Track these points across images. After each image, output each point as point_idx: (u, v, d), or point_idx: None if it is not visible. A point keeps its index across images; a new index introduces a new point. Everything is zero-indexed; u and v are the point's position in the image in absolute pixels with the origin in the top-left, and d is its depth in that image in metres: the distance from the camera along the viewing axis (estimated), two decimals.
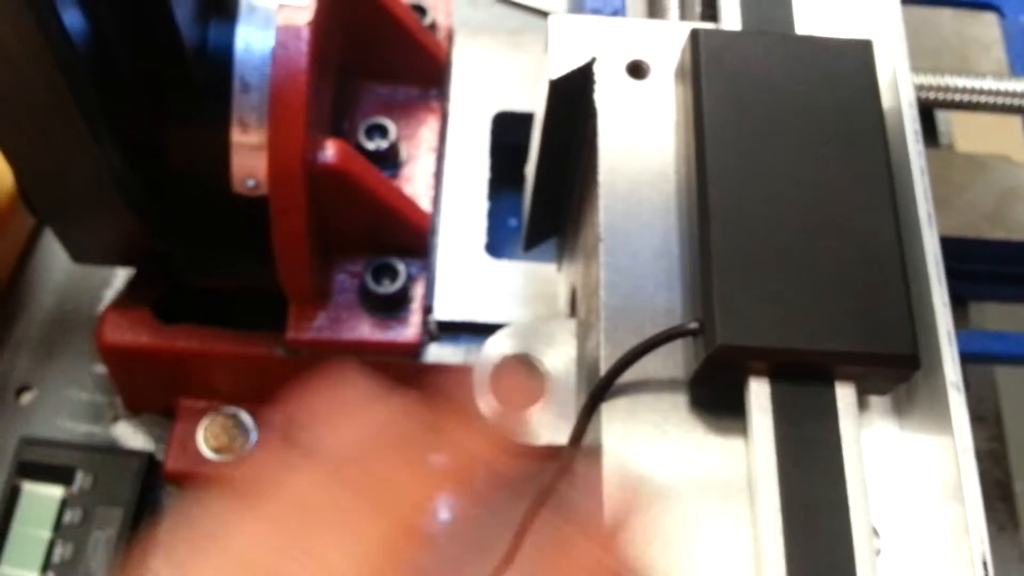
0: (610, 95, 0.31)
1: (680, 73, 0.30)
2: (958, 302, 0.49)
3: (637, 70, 0.31)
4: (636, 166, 0.30)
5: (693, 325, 0.25)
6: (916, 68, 0.45)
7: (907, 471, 0.26)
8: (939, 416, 0.25)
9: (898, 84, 0.28)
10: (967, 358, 0.47)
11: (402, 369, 0.44)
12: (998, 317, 0.49)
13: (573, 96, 0.33)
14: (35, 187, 0.39)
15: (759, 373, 0.25)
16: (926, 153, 0.49)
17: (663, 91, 0.31)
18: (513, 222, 0.51)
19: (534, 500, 0.31)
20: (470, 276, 0.45)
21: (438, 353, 0.45)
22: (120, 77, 0.36)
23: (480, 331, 0.42)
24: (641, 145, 0.30)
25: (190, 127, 0.37)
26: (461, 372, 0.45)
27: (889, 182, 0.26)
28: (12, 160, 0.38)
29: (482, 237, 0.46)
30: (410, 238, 0.44)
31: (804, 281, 0.25)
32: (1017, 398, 0.53)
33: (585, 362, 0.31)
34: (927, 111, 0.50)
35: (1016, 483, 0.52)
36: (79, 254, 0.43)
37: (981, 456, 0.54)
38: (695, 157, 0.27)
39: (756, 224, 0.26)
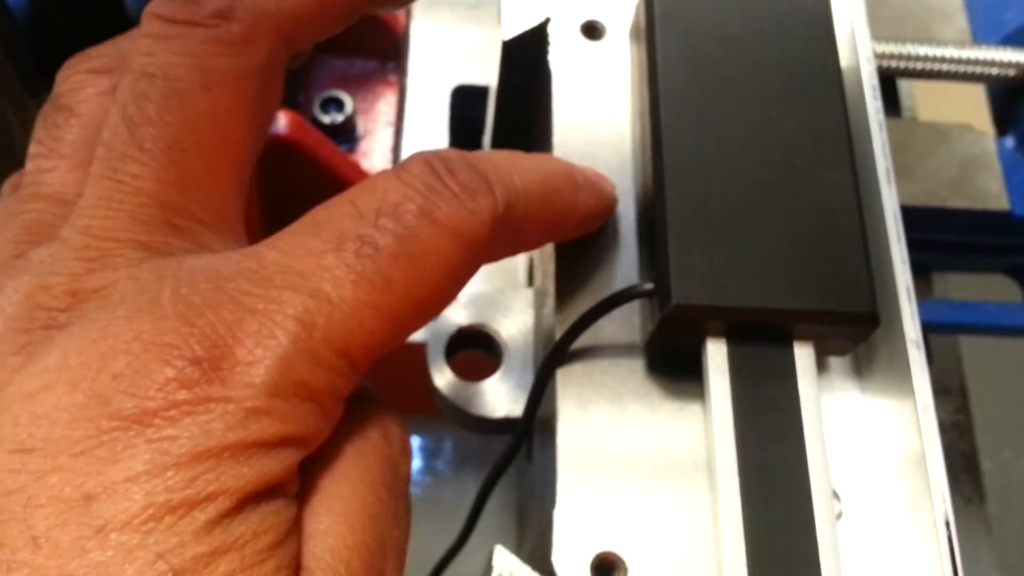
0: (565, 56, 0.30)
1: (635, 32, 0.29)
2: (921, 272, 0.49)
3: (592, 30, 0.30)
4: (591, 128, 0.29)
5: (648, 286, 0.24)
6: (879, 37, 0.45)
7: (868, 433, 0.25)
8: (899, 375, 0.24)
9: (856, 40, 0.28)
10: (931, 328, 0.47)
11: None
12: (961, 287, 0.49)
13: (528, 59, 0.32)
14: None
15: (715, 334, 0.24)
16: (888, 122, 0.48)
17: (619, 52, 0.30)
18: None
19: (489, 474, 0.30)
20: None
21: None
22: (61, 48, 0.35)
23: None
24: (596, 107, 0.29)
25: None
26: (422, 350, 0.44)
27: (847, 138, 0.26)
28: None
29: None
30: None
31: (761, 239, 0.24)
32: (982, 369, 0.53)
33: (541, 331, 0.30)
34: (890, 80, 0.49)
35: (982, 455, 0.52)
36: None
37: (946, 428, 0.54)
38: (649, 115, 0.26)
39: (711, 182, 0.25)
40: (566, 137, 0.29)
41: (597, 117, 0.29)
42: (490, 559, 0.24)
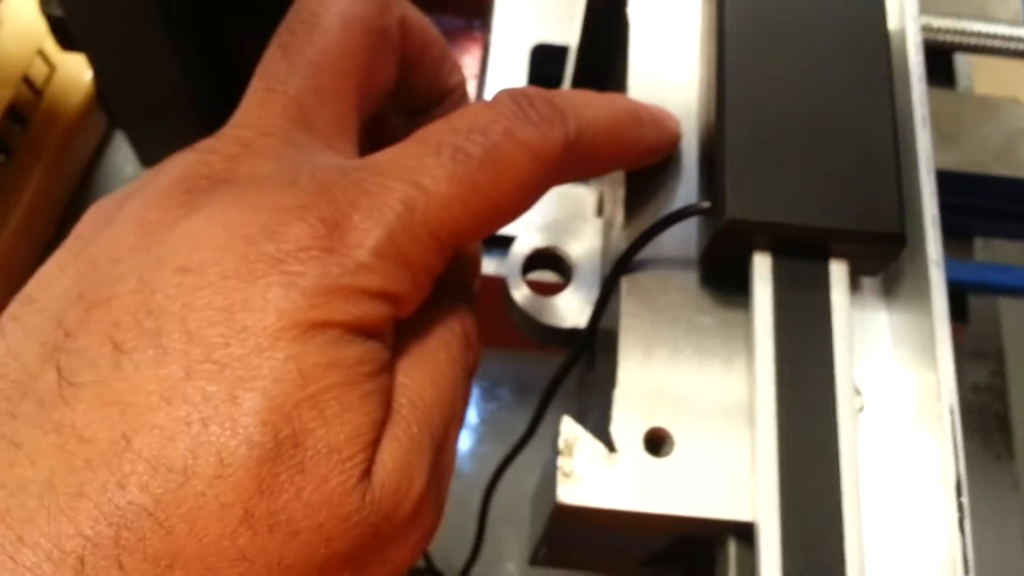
0: (642, 8, 0.34)
1: None
2: (964, 237, 0.52)
3: None
4: (663, 73, 0.33)
5: (705, 204, 0.28)
6: (936, 12, 0.48)
7: (892, 342, 0.29)
8: (921, 292, 0.28)
9: (904, 1, 0.31)
10: (970, 289, 0.50)
11: None
12: (1003, 253, 0.51)
13: (609, 11, 0.36)
14: (112, 90, 0.43)
15: (762, 248, 0.28)
16: (941, 94, 0.51)
17: (691, 4, 0.34)
18: None
19: (552, 379, 0.34)
20: None
21: None
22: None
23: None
24: (669, 54, 0.33)
25: (264, 35, 0.40)
26: (494, 282, 0.48)
27: (889, 86, 0.29)
28: (93, 62, 0.41)
29: None
30: None
31: (807, 169, 0.28)
32: (1020, 332, 0.55)
33: (608, 255, 0.34)
34: (946, 54, 0.52)
35: (1015, 416, 0.55)
36: (150, 158, 0.47)
37: (982, 389, 0.57)
38: (716, 58, 0.30)
39: (766, 117, 0.29)
40: (639, 79, 0.33)
41: (669, 63, 0.33)
42: (557, 431, 0.28)
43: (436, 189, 0.23)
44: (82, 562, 0.18)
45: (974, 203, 0.48)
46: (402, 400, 0.23)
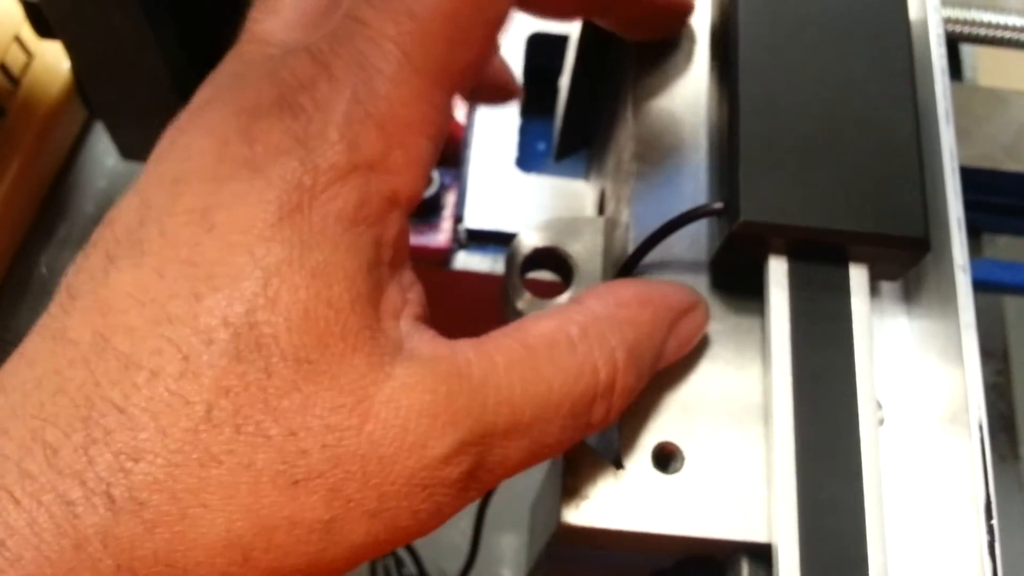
0: None
1: None
2: (971, 233, 0.50)
3: None
4: (670, 66, 0.31)
5: (717, 205, 0.27)
6: (945, 2, 0.46)
7: (912, 351, 0.27)
8: (945, 298, 0.26)
9: None
10: (976, 287, 0.48)
11: (431, 274, 0.46)
12: (1011, 250, 0.50)
13: None
14: (91, 80, 0.41)
15: (778, 251, 0.26)
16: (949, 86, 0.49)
17: None
18: (541, 146, 0.53)
19: None
20: (500, 188, 0.47)
21: (466, 260, 0.46)
22: None
23: (507, 241, 0.44)
24: (675, 47, 0.32)
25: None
26: (487, 280, 0.47)
27: (911, 80, 0.28)
28: (71, 51, 0.39)
29: (513, 152, 0.48)
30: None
31: (825, 167, 0.26)
32: None
33: (611, 255, 0.33)
34: (953, 45, 0.51)
35: (1019, 416, 0.54)
36: (129, 150, 0.45)
37: (986, 389, 0.56)
38: (728, 53, 0.28)
39: (782, 115, 0.27)
40: (646, 71, 0.31)
41: (675, 56, 0.32)
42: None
43: None
44: (55, 451, 0.19)
45: (982, 199, 0.47)
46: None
